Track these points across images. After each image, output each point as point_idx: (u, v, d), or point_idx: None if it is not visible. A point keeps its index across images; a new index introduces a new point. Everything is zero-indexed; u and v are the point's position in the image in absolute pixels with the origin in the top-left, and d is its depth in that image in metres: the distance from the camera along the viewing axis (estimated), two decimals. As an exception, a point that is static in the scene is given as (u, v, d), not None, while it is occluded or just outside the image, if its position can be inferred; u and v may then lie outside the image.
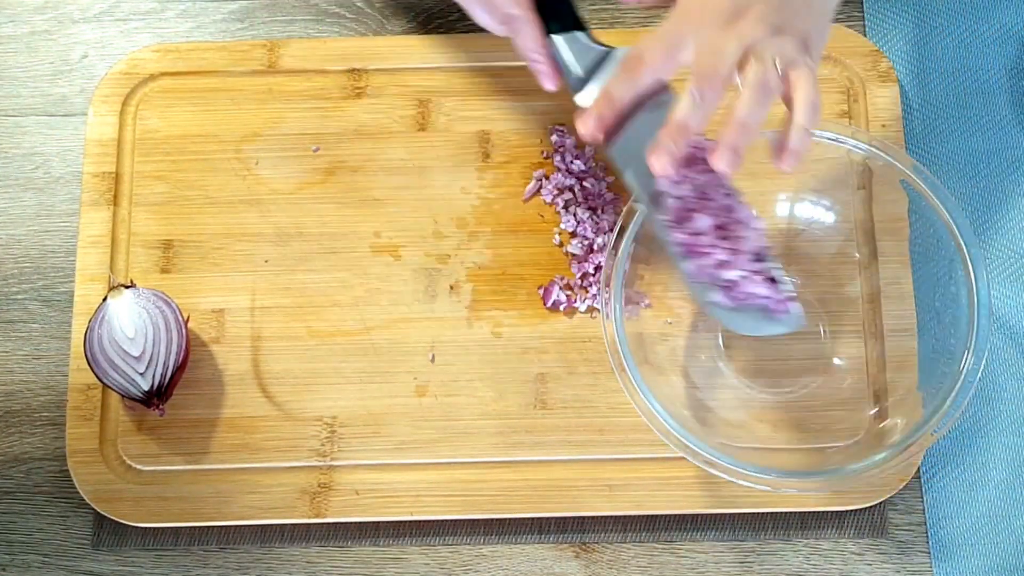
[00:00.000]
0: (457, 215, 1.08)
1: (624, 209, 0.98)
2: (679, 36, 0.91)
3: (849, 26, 1.12)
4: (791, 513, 1.02)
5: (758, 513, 1.02)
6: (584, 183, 1.08)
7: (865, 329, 1.04)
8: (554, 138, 1.09)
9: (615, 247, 0.98)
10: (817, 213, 1.04)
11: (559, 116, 1.09)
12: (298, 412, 1.04)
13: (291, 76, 1.11)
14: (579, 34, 0.99)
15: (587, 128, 0.94)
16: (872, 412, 1.02)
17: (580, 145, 1.09)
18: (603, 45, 0.99)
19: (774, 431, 1.02)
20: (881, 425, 1.01)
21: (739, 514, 1.02)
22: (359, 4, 1.15)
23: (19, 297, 1.08)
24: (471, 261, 1.07)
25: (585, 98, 0.98)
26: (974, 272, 0.96)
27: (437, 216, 1.08)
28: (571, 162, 1.08)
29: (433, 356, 1.05)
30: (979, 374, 0.94)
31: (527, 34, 0.99)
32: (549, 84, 1.01)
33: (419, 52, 1.12)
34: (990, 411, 1.04)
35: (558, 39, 0.99)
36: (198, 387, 1.04)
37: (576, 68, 0.99)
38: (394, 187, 1.09)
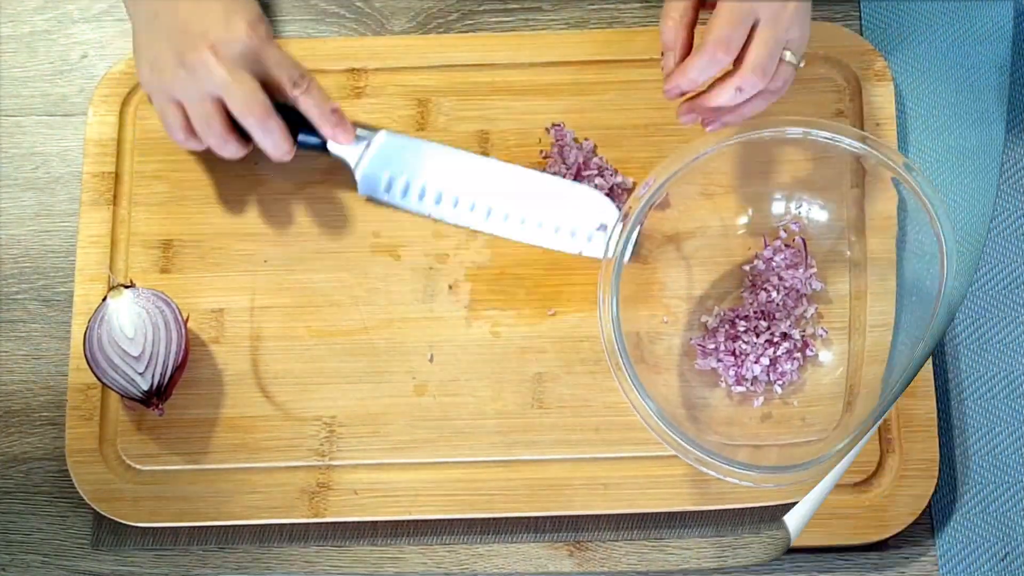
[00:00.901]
0: (456, 215, 1.08)
1: (623, 208, 0.98)
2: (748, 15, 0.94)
3: (846, 25, 1.12)
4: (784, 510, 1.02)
5: (743, 509, 1.02)
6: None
7: (851, 325, 1.04)
8: (553, 138, 1.09)
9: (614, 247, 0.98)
10: (811, 212, 1.04)
11: (558, 115, 1.09)
12: (297, 412, 1.04)
13: (290, 76, 1.11)
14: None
15: (671, 87, 0.97)
16: (844, 406, 1.02)
17: (578, 142, 1.08)
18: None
19: (760, 428, 1.02)
20: (847, 417, 1.00)
21: (724, 511, 1.01)
22: (359, 4, 1.15)
23: (19, 297, 1.09)
24: (470, 261, 1.07)
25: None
26: (946, 265, 0.95)
27: (436, 216, 1.08)
28: (570, 162, 1.08)
29: (432, 356, 1.05)
30: (926, 361, 0.95)
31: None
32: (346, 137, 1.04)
33: (419, 52, 1.12)
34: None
35: None
36: (197, 387, 1.05)
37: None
38: (393, 187, 1.09)
